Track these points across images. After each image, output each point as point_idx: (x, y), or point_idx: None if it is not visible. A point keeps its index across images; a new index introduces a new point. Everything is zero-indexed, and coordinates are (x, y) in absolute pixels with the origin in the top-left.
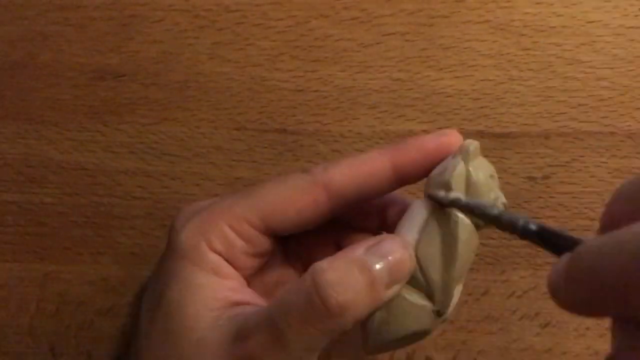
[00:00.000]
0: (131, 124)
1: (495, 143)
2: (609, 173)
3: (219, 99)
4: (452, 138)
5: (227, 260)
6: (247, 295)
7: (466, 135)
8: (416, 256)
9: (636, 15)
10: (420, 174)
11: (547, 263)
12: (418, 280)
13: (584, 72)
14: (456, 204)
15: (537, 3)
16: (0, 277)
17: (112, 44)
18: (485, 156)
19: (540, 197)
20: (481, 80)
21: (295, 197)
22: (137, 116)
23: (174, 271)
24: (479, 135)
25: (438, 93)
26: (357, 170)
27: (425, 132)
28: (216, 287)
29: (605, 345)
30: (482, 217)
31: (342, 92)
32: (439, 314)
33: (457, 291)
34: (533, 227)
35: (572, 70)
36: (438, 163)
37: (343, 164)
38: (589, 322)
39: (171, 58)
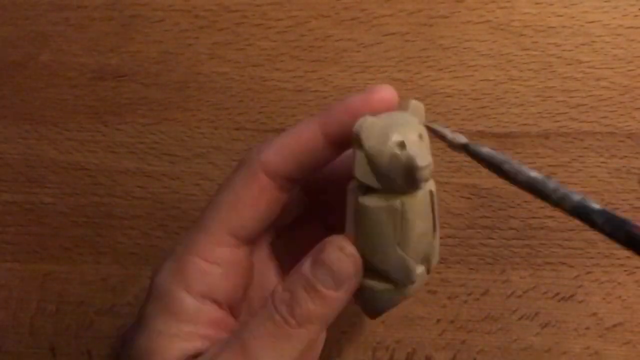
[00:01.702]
0: (131, 124)
1: (495, 143)
2: (608, 173)
3: (219, 99)
4: (382, 94)
5: (209, 297)
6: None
7: (466, 135)
8: (360, 248)
9: (635, 16)
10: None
11: (547, 263)
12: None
13: (584, 72)
14: (469, 150)
15: (537, 3)
16: (0, 277)
17: (112, 44)
18: None
19: None
20: (481, 80)
21: (244, 196)
22: (137, 116)
23: (148, 318)
24: (479, 135)
25: (438, 93)
26: (289, 146)
27: None
28: (189, 337)
29: (604, 345)
30: (501, 173)
31: (342, 92)
32: (410, 282)
33: (435, 245)
34: (595, 206)
35: (572, 71)
36: None
37: (276, 142)
38: (589, 322)
39: (171, 58)
